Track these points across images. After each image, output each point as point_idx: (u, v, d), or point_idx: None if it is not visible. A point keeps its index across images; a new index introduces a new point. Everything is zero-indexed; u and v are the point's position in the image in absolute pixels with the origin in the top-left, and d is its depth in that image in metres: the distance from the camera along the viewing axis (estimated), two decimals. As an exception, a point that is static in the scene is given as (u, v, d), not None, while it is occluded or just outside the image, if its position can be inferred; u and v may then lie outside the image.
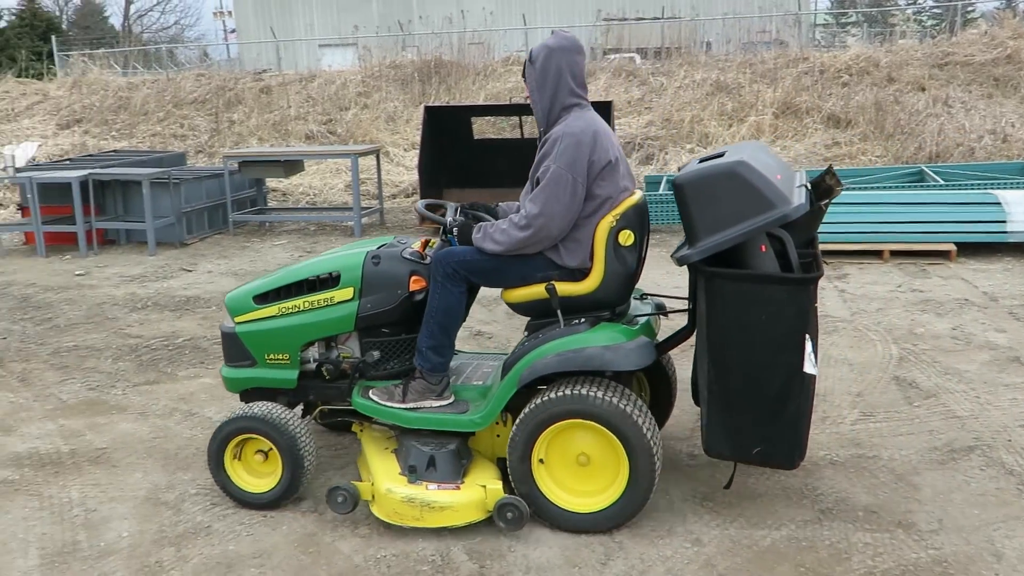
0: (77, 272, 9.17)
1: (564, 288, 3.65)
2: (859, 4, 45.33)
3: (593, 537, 3.57)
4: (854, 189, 9.12)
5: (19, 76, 21.41)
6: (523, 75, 3.81)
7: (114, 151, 13.99)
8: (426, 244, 4.09)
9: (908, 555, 3.38)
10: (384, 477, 3.74)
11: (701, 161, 3.54)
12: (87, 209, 10.04)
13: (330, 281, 3.98)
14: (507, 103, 13.65)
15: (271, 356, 4.07)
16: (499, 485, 3.64)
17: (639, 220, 3.67)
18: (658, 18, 20.78)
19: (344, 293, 3.94)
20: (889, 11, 33.58)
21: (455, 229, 3.85)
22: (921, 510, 3.71)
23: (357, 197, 10.69)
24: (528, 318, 3.89)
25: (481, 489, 3.63)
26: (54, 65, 24.26)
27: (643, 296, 4.13)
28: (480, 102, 14.95)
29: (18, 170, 11.46)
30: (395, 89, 16.44)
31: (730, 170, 3.24)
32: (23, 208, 10.89)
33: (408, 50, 19.04)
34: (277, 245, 10.42)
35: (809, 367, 3.24)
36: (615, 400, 3.48)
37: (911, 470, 4.08)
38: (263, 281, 4.16)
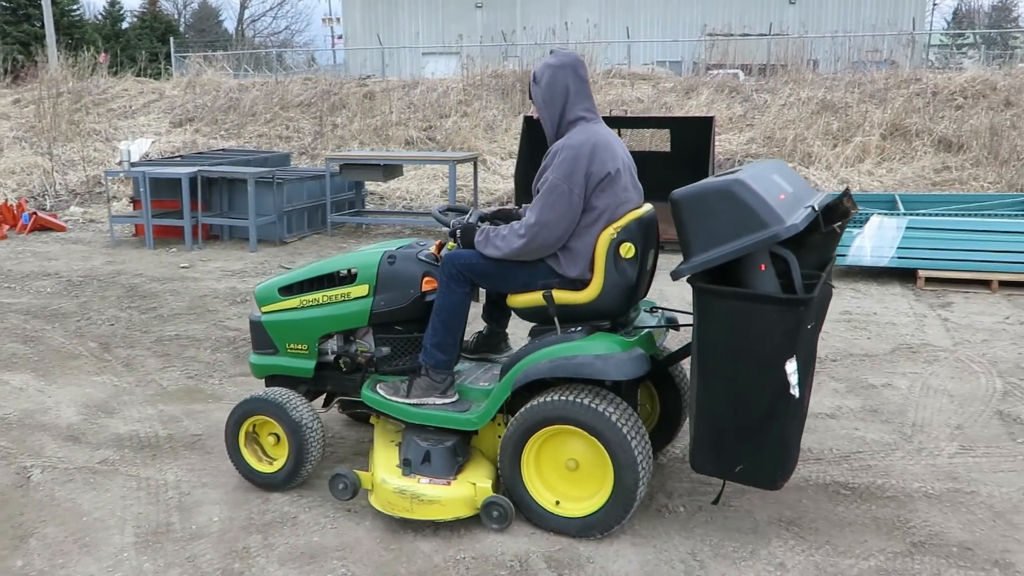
0: (182, 265, 9.52)
1: (564, 297, 3.71)
2: (977, 25, 43.76)
3: (674, 553, 3.52)
4: (963, 215, 8.78)
5: (138, 75, 22.34)
6: (530, 95, 3.88)
7: (223, 150, 14.49)
8: (441, 247, 4.18)
9: (1005, 597, 3.24)
10: (382, 468, 3.85)
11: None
12: (194, 205, 10.42)
13: (348, 278, 4.13)
14: (606, 115, 13.61)
15: (291, 345, 4.26)
16: (488, 484, 3.72)
17: (642, 233, 3.70)
18: (765, 34, 20.45)
19: (360, 290, 4.08)
20: (1010, 32, 32.32)
21: (458, 232, 3.95)
22: (1020, 550, 3.55)
23: (453, 203, 10.78)
24: (533, 323, 3.94)
25: (471, 487, 3.71)
26: (171, 66, 25.30)
27: (653, 308, 4.16)
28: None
29: (133, 165, 11.96)
30: (495, 98, 16.56)
31: (726, 188, 3.23)
32: (135, 201, 11.35)
33: (510, 60, 19.17)
34: (373, 247, 10.59)
35: (795, 389, 3.19)
36: (603, 409, 3.50)
37: (1011, 508, 3.90)
38: (290, 274, 4.36)
